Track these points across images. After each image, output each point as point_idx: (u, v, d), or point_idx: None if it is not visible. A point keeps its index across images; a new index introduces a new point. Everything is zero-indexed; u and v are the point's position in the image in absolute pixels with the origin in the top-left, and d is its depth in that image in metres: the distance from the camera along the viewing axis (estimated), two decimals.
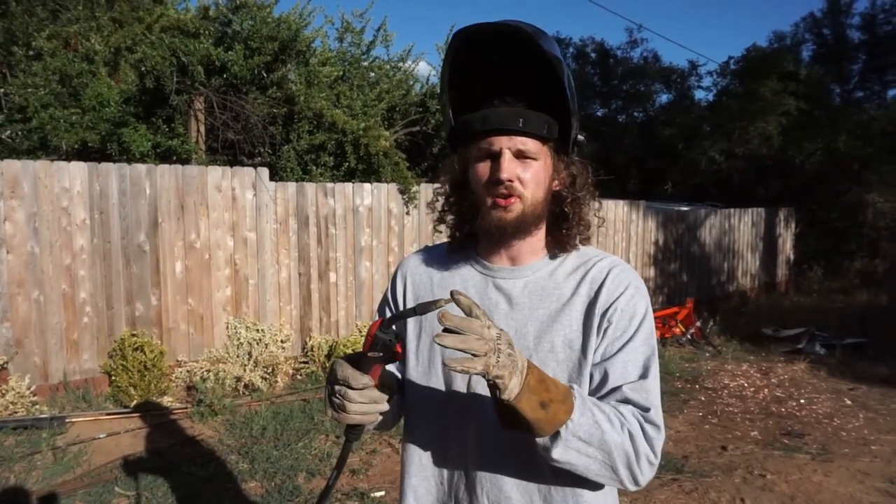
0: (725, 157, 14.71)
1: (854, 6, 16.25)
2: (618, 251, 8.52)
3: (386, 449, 4.11)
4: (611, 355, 1.04)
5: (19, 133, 6.46)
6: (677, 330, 7.42)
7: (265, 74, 6.34)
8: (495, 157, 1.05)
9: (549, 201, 1.10)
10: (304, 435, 4.25)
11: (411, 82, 8.39)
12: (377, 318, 1.26)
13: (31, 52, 6.87)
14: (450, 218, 1.20)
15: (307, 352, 5.74)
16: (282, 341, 5.53)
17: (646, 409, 1.00)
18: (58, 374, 4.67)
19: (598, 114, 17.89)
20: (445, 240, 1.24)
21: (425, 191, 6.41)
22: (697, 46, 47.20)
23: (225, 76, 6.13)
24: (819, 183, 13.43)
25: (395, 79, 8.09)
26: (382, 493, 3.50)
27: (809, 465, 3.96)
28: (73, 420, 4.30)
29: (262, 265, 5.56)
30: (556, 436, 0.92)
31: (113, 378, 4.75)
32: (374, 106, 7.20)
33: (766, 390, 5.64)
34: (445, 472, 1.14)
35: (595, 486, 1.06)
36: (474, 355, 0.83)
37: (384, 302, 1.27)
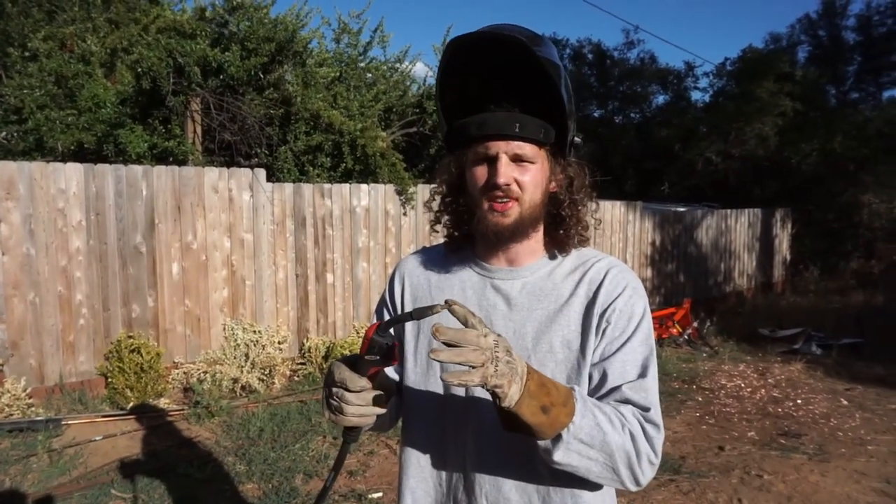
0: (722, 158, 14.75)
1: (849, 8, 16.36)
2: (615, 252, 8.53)
3: (383, 450, 4.10)
4: (609, 355, 1.04)
5: (15, 134, 6.43)
6: (674, 330, 7.43)
7: (262, 75, 6.34)
8: (492, 162, 1.05)
9: (546, 203, 1.10)
10: (302, 436, 4.24)
11: (408, 83, 8.40)
12: (375, 319, 1.26)
13: (26, 53, 6.85)
14: (446, 219, 1.20)
15: (304, 353, 5.74)
16: (279, 342, 5.52)
17: (646, 409, 1.00)
18: (54, 377, 4.66)
19: (595, 115, 17.93)
20: (443, 240, 1.24)
21: (422, 192, 6.41)
22: (694, 48, 47.34)
23: (221, 77, 6.12)
24: (815, 184, 13.48)
25: (392, 80, 8.08)
26: (380, 494, 3.49)
27: (806, 465, 3.97)
28: (70, 422, 4.28)
29: (259, 266, 5.56)
30: (557, 439, 0.91)
31: (109, 380, 4.74)
32: (371, 107, 7.20)
33: (763, 391, 5.65)
34: (444, 473, 1.14)
35: (594, 486, 1.06)
36: (472, 367, 0.82)
37: (382, 303, 1.27)
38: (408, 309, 1.20)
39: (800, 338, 7.41)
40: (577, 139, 1.10)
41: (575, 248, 1.14)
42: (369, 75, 8.09)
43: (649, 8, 40.92)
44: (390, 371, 1.20)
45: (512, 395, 0.86)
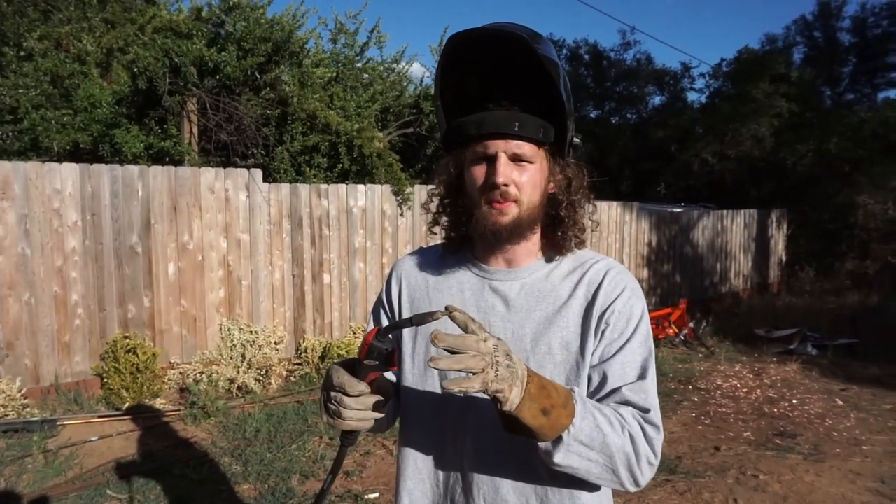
0: (718, 159, 14.78)
1: (844, 9, 16.39)
2: (611, 253, 8.54)
3: (380, 451, 4.10)
4: (609, 357, 1.04)
5: (10, 134, 6.41)
6: (670, 331, 7.44)
7: (258, 76, 6.33)
8: (491, 161, 1.04)
9: (544, 204, 1.09)
10: (298, 437, 4.24)
11: (405, 84, 8.40)
12: (372, 320, 1.26)
13: (22, 53, 6.83)
14: (444, 219, 1.19)
15: (301, 353, 5.73)
16: (275, 343, 5.51)
17: (645, 411, 1.01)
18: (49, 377, 4.64)
19: (592, 115, 17.95)
20: (440, 241, 1.23)
21: (419, 192, 6.41)
22: (690, 48, 47.49)
23: (218, 77, 6.11)
24: (810, 185, 13.53)
25: (389, 80, 8.09)
26: (377, 494, 3.49)
27: (801, 465, 3.98)
28: (65, 423, 4.27)
29: (255, 266, 5.55)
30: (557, 441, 0.92)
31: (105, 380, 4.72)
32: (368, 107, 7.20)
33: (759, 391, 5.66)
34: (441, 474, 1.14)
35: (592, 487, 1.07)
36: (472, 373, 0.82)
37: (378, 303, 1.26)
38: (405, 310, 1.20)
39: (795, 338, 7.43)
40: (576, 139, 1.09)
41: (572, 249, 1.13)
42: (366, 76, 8.09)
43: (646, 9, 41.04)
44: (388, 373, 1.20)
45: (513, 399, 0.86)
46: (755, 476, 3.80)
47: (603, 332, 1.05)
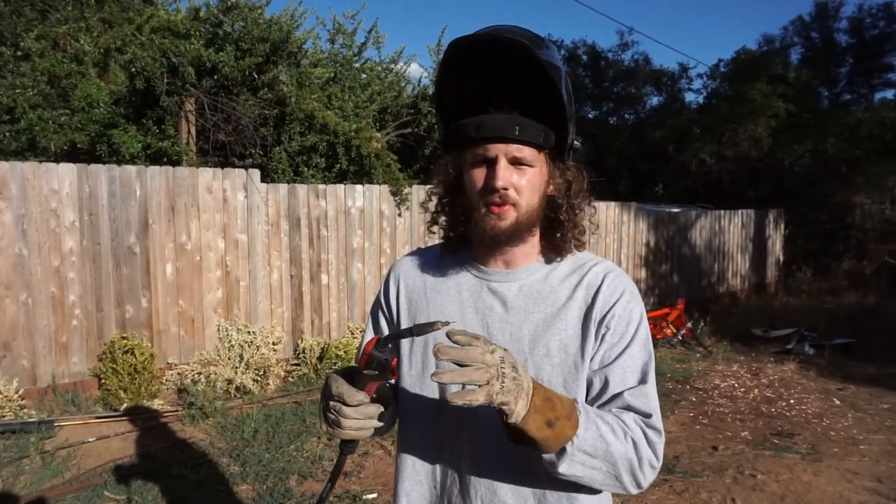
0: (716, 160, 14.81)
1: (841, 10, 16.46)
2: (609, 253, 8.56)
3: (378, 451, 4.10)
4: (610, 362, 1.04)
5: (7, 134, 6.39)
6: (668, 331, 7.45)
7: (256, 76, 6.32)
8: (491, 164, 1.04)
9: (543, 207, 1.09)
10: (296, 437, 4.23)
11: (403, 84, 8.41)
12: (370, 322, 1.26)
13: (19, 53, 6.81)
14: (443, 220, 1.18)
15: (299, 354, 5.72)
16: (273, 343, 5.50)
17: (647, 416, 1.01)
18: (46, 378, 4.63)
19: (590, 116, 17.97)
20: (438, 241, 1.23)
21: (417, 192, 6.41)
22: (687, 49, 47.57)
23: (216, 77, 6.10)
24: (808, 185, 13.56)
25: (387, 80, 8.09)
26: (374, 495, 3.49)
27: (799, 464, 3.99)
28: (62, 424, 4.26)
29: (253, 267, 5.54)
30: (562, 451, 0.92)
31: (102, 381, 4.71)
32: (366, 107, 7.20)
33: (757, 391, 5.67)
34: (439, 476, 1.13)
35: (591, 490, 1.06)
36: (477, 385, 0.82)
37: (377, 305, 1.26)
38: (403, 312, 1.19)
39: (793, 338, 7.45)
40: (576, 143, 1.09)
41: (571, 251, 1.13)
42: (364, 76, 8.09)
43: (643, 9, 41.10)
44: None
45: (518, 412, 0.86)
46: (753, 475, 3.81)
47: (603, 336, 1.05)
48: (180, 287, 5.19)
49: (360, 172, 6.70)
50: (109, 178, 4.84)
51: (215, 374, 5.00)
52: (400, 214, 6.40)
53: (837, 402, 5.35)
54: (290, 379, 5.54)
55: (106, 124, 6.11)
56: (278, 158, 6.56)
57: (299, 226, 5.77)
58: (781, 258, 12.66)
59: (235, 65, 6.04)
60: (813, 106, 15.02)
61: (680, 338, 7.43)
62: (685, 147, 15.43)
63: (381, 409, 0.99)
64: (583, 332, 1.06)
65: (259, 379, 5.19)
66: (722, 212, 10.87)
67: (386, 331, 1.22)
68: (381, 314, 1.24)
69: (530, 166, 1.04)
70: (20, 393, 4.40)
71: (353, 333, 6.03)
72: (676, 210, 10.37)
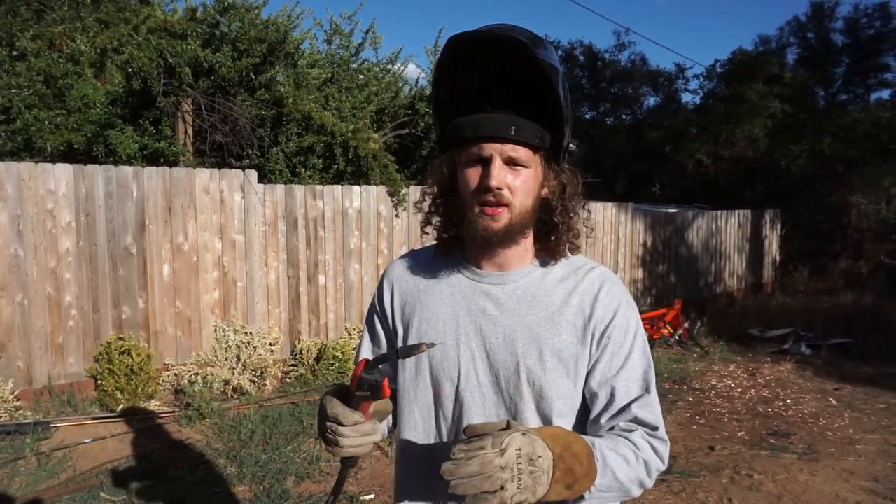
0: (712, 160, 14.84)
1: (837, 10, 16.51)
2: (606, 253, 8.57)
3: (375, 452, 4.10)
4: (614, 374, 1.06)
5: (3, 134, 6.37)
6: (665, 331, 7.46)
7: (253, 76, 6.31)
8: (485, 163, 1.03)
9: (537, 209, 1.09)
10: (293, 438, 4.23)
11: (400, 85, 8.39)
12: (366, 329, 1.27)
13: (15, 53, 6.78)
14: (436, 220, 1.18)
15: (296, 355, 5.72)
16: (270, 344, 5.50)
17: (654, 428, 1.04)
18: (42, 379, 4.62)
19: (587, 116, 17.99)
20: (431, 243, 1.23)
21: (414, 193, 6.41)
22: (684, 49, 47.64)
23: (213, 78, 6.09)
24: (804, 185, 13.59)
25: (384, 81, 8.08)
26: (372, 496, 3.49)
27: (796, 464, 4.00)
28: (58, 425, 4.25)
29: (250, 268, 5.53)
30: (579, 498, 0.96)
31: (99, 382, 4.70)
32: (363, 108, 7.19)
33: (753, 391, 5.69)
34: (438, 478, 1.13)
35: None
36: (490, 493, 0.81)
37: (372, 310, 1.26)
38: (397, 315, 1.20)
39: (789, 338, 7.47)
40: (571, 146, 1.09)
41: (566, 255, 1.13)
42: (361, 77, 8.08)
43: (640, 10, 41.18)
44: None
45: (539, 496, 0.85)
46: (749, 475, 3.81)
47: (605, 347, 1.06)
48: (177, 288, 5.18)
49: (357, 173, 6.70)
50: (106, 178, 4.83)
51: (212, 374, 4.99)
52: (397, 215, 6.40)
53: (834, 402, 5.36)
54: (288, 380, 5.53)
55: (102, 125, 6.09)
56: (275, 159, 6.55)
57: (296, 226, 5.76)
58: (778, 258, 12.69)
59: (232, 65, 6.03)
60: (809, 106, 15.05)
61: (677, 338, 7.44)
62: (682, 147, 15.45)
63: (378, 425, 1.02)
64: (579, 339, 1.07)
65: (256, 380, 5.19)
66: (719, 212, 10.89)
67: (382, 336, 1.23)
68: (376, 319, 1.24)
69: (525, 167, 1.04)
70: (16, 394, 4.39)
71: (350, 334, 6.02)
72: (673, 210, 10.38)
